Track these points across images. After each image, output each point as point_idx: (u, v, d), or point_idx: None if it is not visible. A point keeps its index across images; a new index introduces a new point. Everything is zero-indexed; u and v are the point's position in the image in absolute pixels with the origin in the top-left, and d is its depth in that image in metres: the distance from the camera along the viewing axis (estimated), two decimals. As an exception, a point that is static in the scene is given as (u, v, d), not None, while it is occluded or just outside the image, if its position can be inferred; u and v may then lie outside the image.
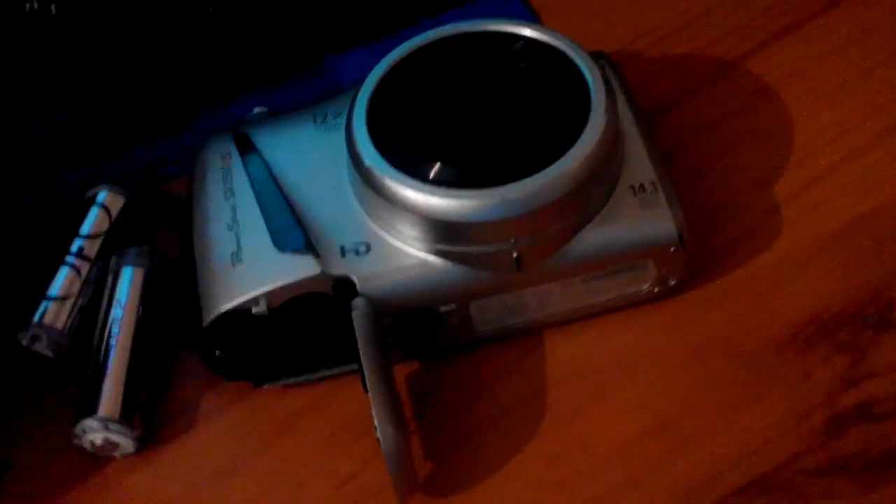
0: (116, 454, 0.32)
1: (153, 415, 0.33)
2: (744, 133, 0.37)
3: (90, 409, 0.31)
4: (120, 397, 0.32)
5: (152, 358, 0.33)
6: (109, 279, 0.34)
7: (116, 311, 0.33)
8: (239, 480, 0.32)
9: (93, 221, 0.35)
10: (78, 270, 0.34)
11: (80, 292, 0.34)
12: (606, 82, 0.32)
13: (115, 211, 0.35)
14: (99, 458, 0.32)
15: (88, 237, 0.35)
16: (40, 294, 0.34)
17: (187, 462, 0.33)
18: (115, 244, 0.35)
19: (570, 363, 0.33)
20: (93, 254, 0.35)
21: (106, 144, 0.39)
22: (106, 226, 0.35)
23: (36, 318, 0.33)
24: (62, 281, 0.34)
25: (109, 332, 0.33)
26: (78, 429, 0.32)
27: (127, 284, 0.34)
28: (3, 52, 0.40)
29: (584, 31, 0.34)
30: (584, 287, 0.32)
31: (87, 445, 0.32)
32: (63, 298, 0.34)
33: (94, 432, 0.32)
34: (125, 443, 0.32)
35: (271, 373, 0.33)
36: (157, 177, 0.38)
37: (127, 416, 0.32)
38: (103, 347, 0.33)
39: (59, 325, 0.33)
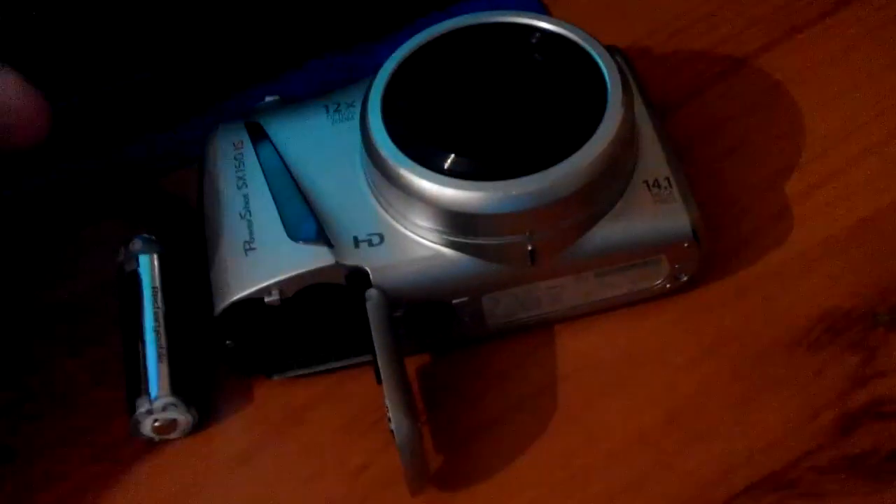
0: (176, 433, 0.32)
1: (209, 388, 0.33)
2: (755, 130, 0.37)
3: (143, 392, 0.31)
4: (167, 378, 0.31)
5: (190, 336, 0.33)
6: (126, 268, 0.34)
7: (145, 299, 0.33)
8: (250, 471, 0.32)
9: None
10: None
11: None
12: (623, 77, 0.32)
13: None
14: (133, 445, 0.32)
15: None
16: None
17: (197, 453, 0.32)
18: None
19: (582, 357, 0.33)
20: None
21: (108, 135, 0.39)
22: None
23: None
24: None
25: (143, 318, 0.32)
26: (137, 415, 0.31)
27: (147, 270, 0.33)
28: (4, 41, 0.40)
29: (594, 26, 0.34)
30: (596, 282, 0.32)
31: (147, 430, 0.32)
32: None
33: (153, 414, 0.31)
34: (184, 418, 0.32)
35: (282, 364, 0.33)
36: (159, 169, 0.38)
37: (179, 393, 0.31)
38: (141, 333, 0.32)
39: None
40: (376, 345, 0.30)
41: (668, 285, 0.33)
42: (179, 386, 0.32)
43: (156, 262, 0.34)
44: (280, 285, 0.30)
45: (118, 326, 0.33)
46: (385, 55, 0.33)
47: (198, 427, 0.32)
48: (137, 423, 0.31)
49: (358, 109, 0.33)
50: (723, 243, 0.34)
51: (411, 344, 0.32)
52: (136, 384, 0.32)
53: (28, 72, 0.37)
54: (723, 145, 0.37)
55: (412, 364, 0.33)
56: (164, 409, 0.31)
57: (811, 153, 0.36)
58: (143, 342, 0.32)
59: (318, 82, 0.40)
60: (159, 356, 0.32)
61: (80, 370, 0.34)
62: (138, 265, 0.33)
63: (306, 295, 0.31)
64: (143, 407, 0.31)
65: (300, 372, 0.33)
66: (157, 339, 0.32)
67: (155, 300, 0.33)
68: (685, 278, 0.33)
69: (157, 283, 0.33)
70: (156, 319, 0.33)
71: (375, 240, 0.31)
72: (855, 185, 0.35)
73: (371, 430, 0.32)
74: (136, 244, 0.34)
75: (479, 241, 0.31)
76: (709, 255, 0.33)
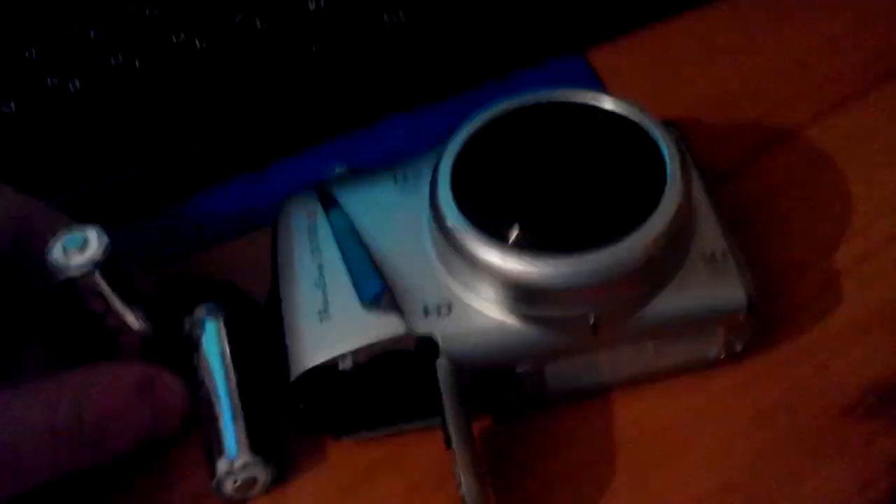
0: (255, 491, 0.33)
1: (285, 445, 0.34)
2: (804, 201, 0.38)
3: (222, 452, 0.33)
4: (245, 437, 0.33)
5: (261, 396, 0.34)
6: (193, 336, 0.35)
7: (213, 362, 0.34)
8: (320, 529, 0.33)
9: None
10: None
11: None
12: (681, 153, 0.33)
13: None
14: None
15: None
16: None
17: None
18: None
19: (639, 424, 0.34)
20: None
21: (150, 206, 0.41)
22: None
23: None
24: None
25: (214, 383, 0.34)
26: (219, 475, 0.33)
27: (214, 335, 0.35)
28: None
29: (645, 96, 0.35)
30: (654, 350, 0.33)
31: (229, 490, 0.33)
32: None
33: (233, 475, 0.32)
34: (263, 476, 0.33)
35: (351, 425, 0.34)
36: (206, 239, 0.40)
37: (258, 451, 0.33)
38: (213, 398, 0.34)
39: None
40: (447, 411, 0.31)
41: (722, 355, 0.34)
42: (257, 444, 0.33)
43: (222, 327, 0.35)
44: (354, 353, 0.32)
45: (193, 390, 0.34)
46: (445, 120, 0.34)
47: (274, 484, 0.33)
48: (220, 484, 0.33)
49: (424, 180, 0.34)
50: (773, 313, 0.35)
51: (473, 409, 0.33)
52: (215, 444, 0.33)
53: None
54: (771, 216, 0.38)
55: (474, 429, 0.34)
56: (243, 467, 0.32)
57: (860, 223, 0.37)
58: (219, 403, 0.33)
59: (381, 146, 0.41)
60: (234, 416, 0.33)
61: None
62: (204, 331, 0.35)
63: (378, 361, 0.32)
64: (223, 468, 0.32)
65: (368, 434, 0.34)
66: (231, 400, 0.33)
67: (224, 362, 0.34)
68: (739, 348, 0.34)
69: (225, 347, 0.35)
70: (227, 380, 0.34)
71: (444, 309, 0.32)
72: (903, 256, 0.36)
73: (434, 493, 0.33)
74: (201, 311, 0.35)
75: (544, 312, 0.32)
76: (761, 324, 0.34)
